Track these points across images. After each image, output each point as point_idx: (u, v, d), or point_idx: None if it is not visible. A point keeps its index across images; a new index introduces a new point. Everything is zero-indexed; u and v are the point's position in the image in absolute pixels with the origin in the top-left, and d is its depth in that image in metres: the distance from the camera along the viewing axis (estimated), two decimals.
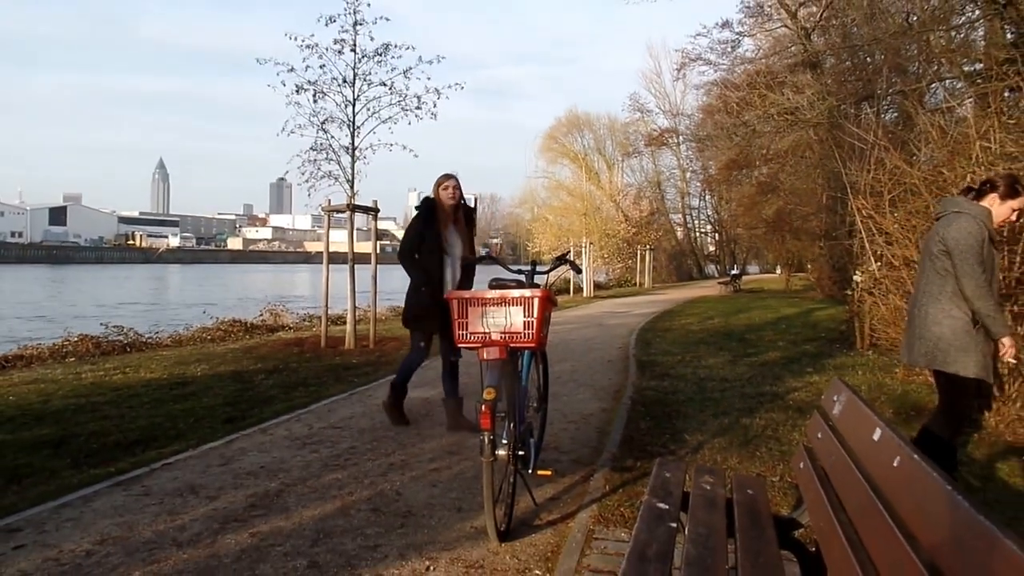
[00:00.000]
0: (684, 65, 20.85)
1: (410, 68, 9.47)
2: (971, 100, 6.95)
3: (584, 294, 25.17)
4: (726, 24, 17.52)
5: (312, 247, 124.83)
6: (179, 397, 6.18)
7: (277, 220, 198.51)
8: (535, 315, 3.33)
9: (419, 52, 9.66)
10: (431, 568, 2.88)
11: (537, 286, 3.61)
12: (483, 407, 2.99)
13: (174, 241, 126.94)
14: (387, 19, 9.57)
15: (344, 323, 10.66)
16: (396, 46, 9.41)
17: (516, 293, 3.38)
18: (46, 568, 2.84)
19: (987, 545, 1.15)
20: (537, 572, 2.87)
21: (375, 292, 10.07)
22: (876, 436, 1.82)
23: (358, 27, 9.25)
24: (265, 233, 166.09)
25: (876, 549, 1.56)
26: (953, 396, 3.54)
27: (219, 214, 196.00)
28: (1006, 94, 6.53)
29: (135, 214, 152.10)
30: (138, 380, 7.03)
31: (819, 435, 2.31)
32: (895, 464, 1.64)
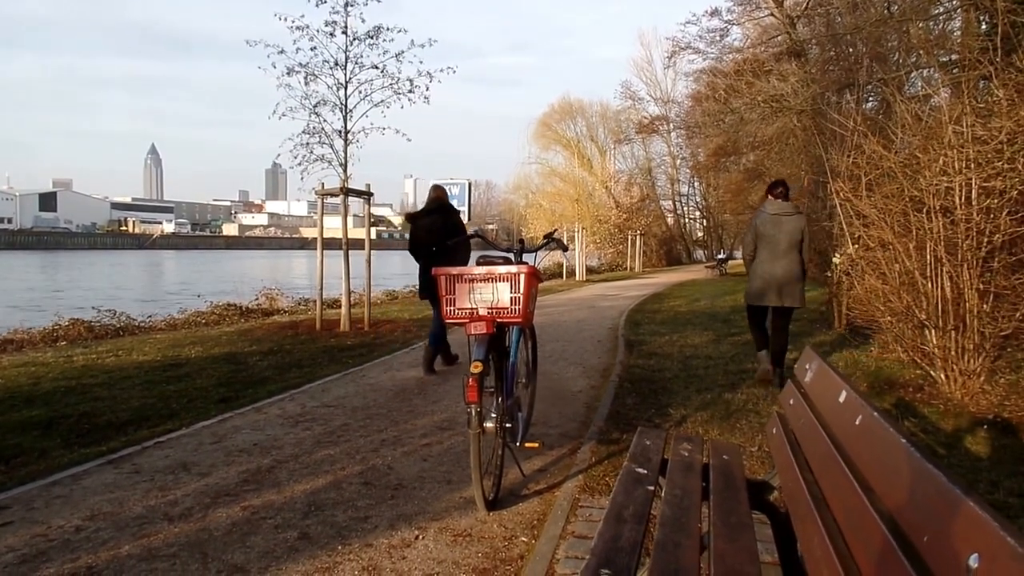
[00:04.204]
0: (674, 53, 20.91)
1: (402, 52, 9.45)
2: (947, 89, 7.07)
3: (576, 278, 25.30)
4: (715, 12, 17.61)
5: (308, 233, 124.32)
6: (172, 378, 6.22)
7: (273, 206, 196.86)
8: (521, 291, 3.39)
9: (411, 36, 9.65)
10: (420, 537, 2.96)
11: (524, 263, 3.68)
12: (470, 380, 3.05)
13: (168, 227, 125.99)
14: (378, 0, 9.53)
15: (339, 306, 10.71)
16: (388, 29, 9.39)
17: (503, 269, 3.43)
18: (35, 544, 2.87)
19: (938, 493, 1.22)
20: (523, 539, 2.95)
21: (369, 276, 10.12)
22: (841, 398, 1.90)
23: (349, 8, 9.21)
24: (261, 219, 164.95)
25: (836, 503, 1.64)
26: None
27: (214, 200, 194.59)
28: (980, 84, 6.65)
29: (128, 200, 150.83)
30: (131, 362, 7.05)
31: (791, 401, 2.40)
32: (857, 422, 1.71)
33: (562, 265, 26.42)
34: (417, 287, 6.64)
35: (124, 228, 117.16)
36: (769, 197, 6.08)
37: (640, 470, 2.38)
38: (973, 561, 0.96)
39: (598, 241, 33.95)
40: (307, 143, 9.47)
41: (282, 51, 9.12)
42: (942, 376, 5.26)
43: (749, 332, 6.45)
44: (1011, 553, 0.90)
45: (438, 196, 6.72)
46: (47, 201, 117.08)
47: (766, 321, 6.12)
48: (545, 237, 4.30)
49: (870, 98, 12.36)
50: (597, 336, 9.28)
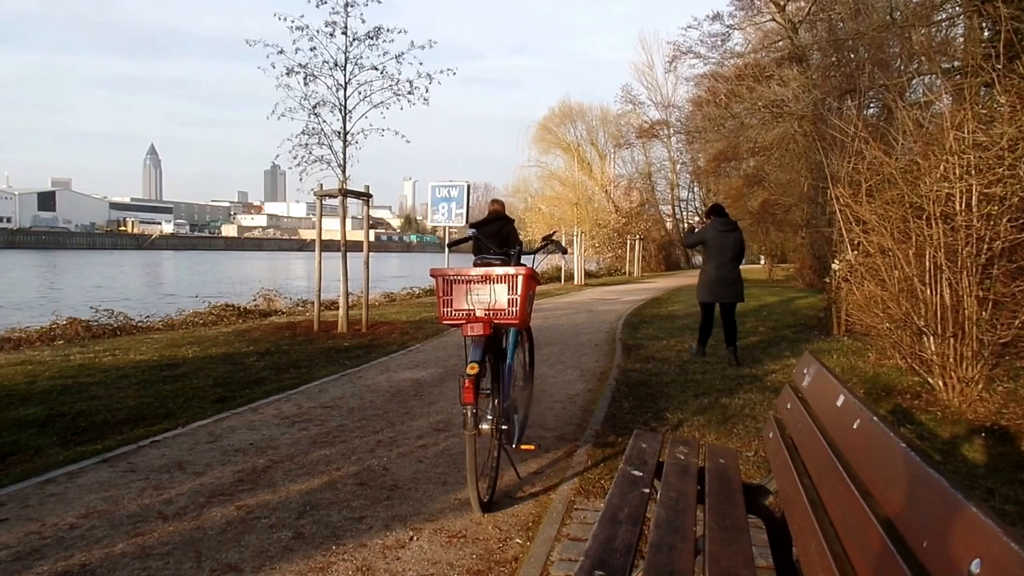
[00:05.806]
0: (675, 58, 20.92)
1: (402, 53, 9.45)
2: (949, 95, 7.08)
3: (575, 282, 25.29)
4: (717, 17, 17.67)
5: (307, 234, 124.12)
6: (169, 378, 6.20)
7: (272, 208, 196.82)
8: (519, 292, 3.38)
9: (411, 37, 9.65)
10: (415, 538, 2.95)
11: (522, 265, 3.67)
12: (466, 382, 3.03)
13: (167, 228, 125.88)
14: (379, 0, 9.52)
15: (337, 308, 10.68)
16: (388, 30, 9.38)
17: (500, 271, 3.43)
18: (28, 541, 2.86)
19: (938, 497, 1.21)
20: (518, 541, 2.94)
21: (367, 277, 10.11)
22: (839, 402, 1.88)
23: (349, 8, 9.20)
24: (260, 220, 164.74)
25: (834, 507, 1.62)
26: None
27: (213, 201, 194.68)
28: (981, 91, 6.65)
29: (127, 200, 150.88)
30: (128, 362, 7.03)
31: (788, 406, 2.38)
32: (855, 426, 1.70)
33: (560, 269, 26.40)
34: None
35: (123, 228, 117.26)
36: (713, 218, 7.54)
37: (636, 473, 2.37)
38: (975, 567, 0.95)
39: (597, 245, 33.92)
40: (306, 144, 9.46)
41: (281, 51, 9.11)
42: (940, 383, 5.24)
43: (734, 335, 7.44)
44: (1015, 559, 0.88)
45: (496, 208, 8.00)
46: (46, 200, 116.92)
47: (713, 318, 7.54)
48: (544, 239, 4.29)
49: (871, 104, 12.35)
50: (595, 340, 9.26)
